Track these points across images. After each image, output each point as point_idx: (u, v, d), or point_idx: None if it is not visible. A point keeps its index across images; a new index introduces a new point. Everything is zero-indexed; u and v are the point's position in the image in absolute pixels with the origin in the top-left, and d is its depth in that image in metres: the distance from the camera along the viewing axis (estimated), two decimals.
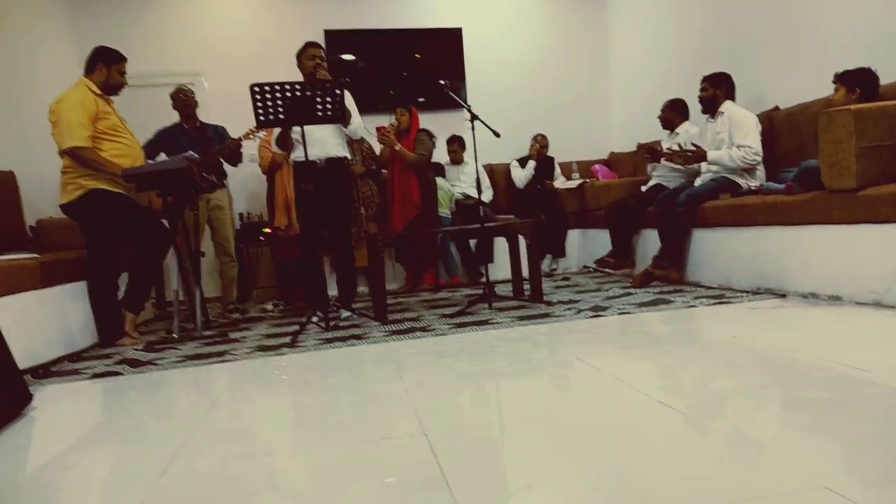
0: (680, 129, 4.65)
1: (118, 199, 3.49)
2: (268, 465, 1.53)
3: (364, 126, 3.95)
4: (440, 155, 5.67)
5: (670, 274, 4.04)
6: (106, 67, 3.55)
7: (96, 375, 2.75)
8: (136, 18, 5.83)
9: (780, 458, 1.27)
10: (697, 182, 4.18)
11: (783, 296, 3.27)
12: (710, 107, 4.13)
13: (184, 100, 4.50)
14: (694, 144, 4.10)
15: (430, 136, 5.10)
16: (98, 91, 3.50)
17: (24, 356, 2.50)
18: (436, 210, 5.11)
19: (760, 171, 3.97)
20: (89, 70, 3.55)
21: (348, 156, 4.01)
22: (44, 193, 4.37)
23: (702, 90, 4.15)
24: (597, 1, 6.75)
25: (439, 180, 5.36)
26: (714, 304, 3.22)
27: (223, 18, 6.02)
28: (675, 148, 4.38)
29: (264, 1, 6.12)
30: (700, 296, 3.47)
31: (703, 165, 4.14)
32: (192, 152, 3.65)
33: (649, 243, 4.46)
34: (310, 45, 3.83)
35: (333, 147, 3.82)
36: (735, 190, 3.91)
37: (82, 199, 3.40)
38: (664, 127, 4.78)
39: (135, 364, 2.91)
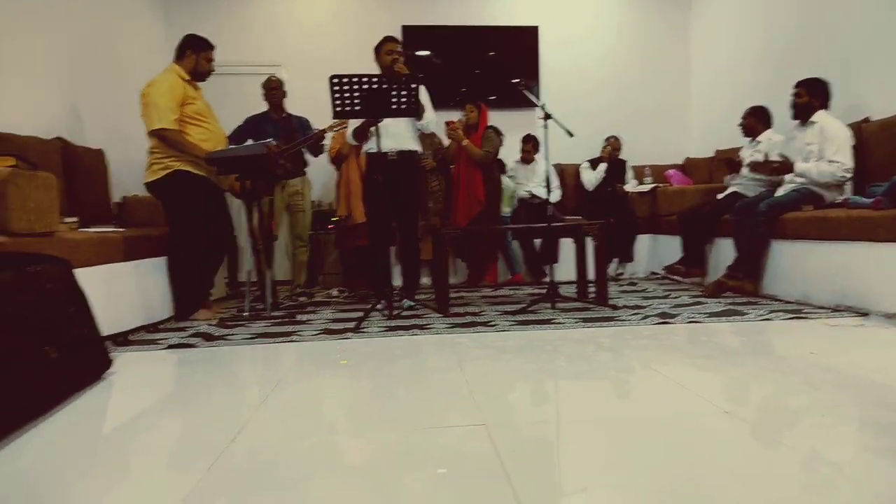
0: (762, 138, 4.47)
1: (200, 181, 3.63)
2: (329, 444, 1.57)
3: (436, 121, 3.98)
4: (510, 153, 5.65)
5: (744, 285, 3.90)
6: (195, 54, 3.70)
7: (171, 346, 2.88)
8: (223, 9, 6.06)
9: (856, 481, 1.21)
10: (779, 192, 4.01)
11: (865, 315, 3.11)
12: (803, 114, 3.94)
13: (274, 90, 4.66)
14: (781, 155, 3.93)
15: (498, 133, 5.09)
16: (187, 77, 3.65)
17: (105, 323, 2.64)
18: (499, 207, 5.10)
19: (847, 185, 3.79)
20: (179, 57, 3.71)
21: (420, 149, 4.05)
22: (130, 172, 4.61)
23: (796, 95, 3.95)
24: (680, 4, 6.57)
25: (502, 178, 5.34)
26: (790, 318, 3.09)
27: (305, 12, 6.18)
28: (757, 157, 4.23)
29: None
30: (775, 309, 3.34)
31: (787, 175, 3.97)
32: (272, 140, 3.76)
33: (723, 252, 4.31)
34: (387, 39, 3.89)
35: (406, 140, 3.88)
36: (818, 202, 3.74)
37: (166, 179, 3.56)
38: (745, 134, 4.61)
39: (208, 338, 3.04)
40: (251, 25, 6.11)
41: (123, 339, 3.06)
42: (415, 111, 3.51)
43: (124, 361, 2.61)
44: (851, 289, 3.25)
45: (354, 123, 3.83)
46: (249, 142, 4.24)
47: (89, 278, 2.60)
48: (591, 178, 5.72)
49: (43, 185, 2.70)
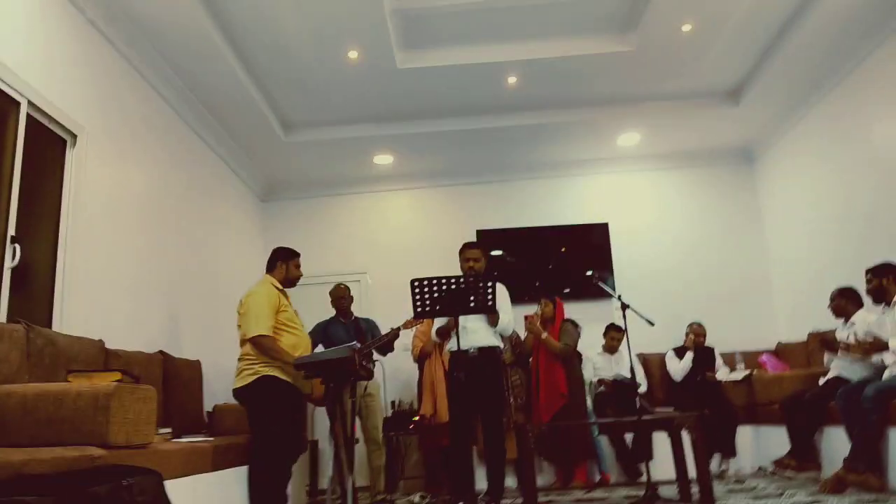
0: (856, 318, 4.26)
1: (286, 387, 3.73)
2: None
3: (513, 322, 4.06)
4: (588, 344, 5.57)
5: (868, 479, 3.48)
6: (284, 264, 4.02)
7: None
8: (313, 225, 6.70)
9: None
10: (886, 375, 3.74)
11: None
12: (881, 297, 3.91)
13: (341, 296, 4.95)
14: (871, 335, 3.76)
15: (575, 325, 5.10)
16: (279, 286, 3.93)
17: None
18: (584, 401, 4.93)
19: None
20: (270, 268, 4.03)
21: (500, 345, 4.08)
22: (221, 380, 4.81)
23: (867, 282, 3.98)
24: (746, 187, 6.72)
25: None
26: None
27: (387, 223, 6.77)
28: (852, 338, 4.03)
29: (424, 207, 6.86)
30: None
31: (888, 357, 3.74)
32: (356, 343, 3.90)
33: (835, 442, 3.93)
34: (467, 245, 4.14)
35: (486, 337, 3.94)
36: None
37: (254, 384, 3.67)
38: (836, 316, 4.43)
39: None
40: (339, 238, 6.67)
41: None
42: (491, 309, 3.60)
43: None
44: None
45: (439, 322, 3.96)
46: (320, 347, 4.41)
47: (180, 489, 2.62)
48: (678, 367, 5.51)
49: (143, 398, 2.83)
